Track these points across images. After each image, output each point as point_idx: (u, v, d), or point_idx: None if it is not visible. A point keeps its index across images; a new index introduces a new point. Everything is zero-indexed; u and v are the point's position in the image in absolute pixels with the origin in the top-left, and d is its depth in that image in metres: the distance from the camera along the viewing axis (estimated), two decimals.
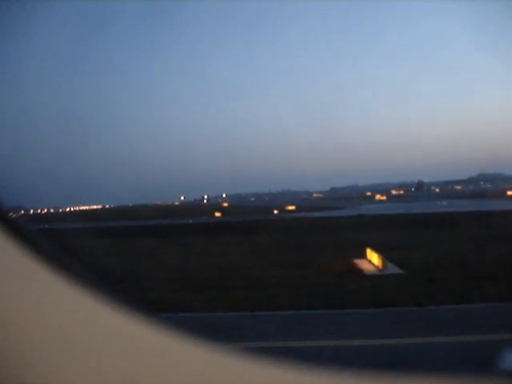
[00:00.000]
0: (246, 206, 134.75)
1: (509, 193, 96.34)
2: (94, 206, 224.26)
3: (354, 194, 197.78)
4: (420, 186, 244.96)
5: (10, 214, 1.73)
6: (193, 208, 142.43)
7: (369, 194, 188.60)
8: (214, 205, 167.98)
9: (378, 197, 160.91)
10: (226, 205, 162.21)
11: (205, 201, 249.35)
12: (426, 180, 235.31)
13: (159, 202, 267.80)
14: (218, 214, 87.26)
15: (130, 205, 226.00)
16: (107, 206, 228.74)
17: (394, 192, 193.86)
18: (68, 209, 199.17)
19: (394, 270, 20.84)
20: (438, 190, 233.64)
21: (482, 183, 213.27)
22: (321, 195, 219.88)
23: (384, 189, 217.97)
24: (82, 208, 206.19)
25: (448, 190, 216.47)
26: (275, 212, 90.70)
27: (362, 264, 23.09)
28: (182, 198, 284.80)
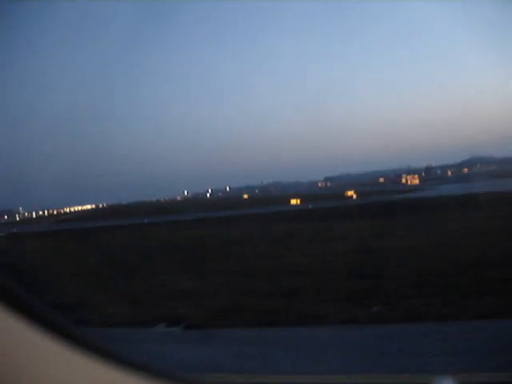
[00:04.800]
0: (277, 196, 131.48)
1: None
2: (88, 206, 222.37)
3: (366, 181, 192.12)
4: (429, 170, 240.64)
5: None
6: (214, 202, 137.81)
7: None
8: (234, 197, 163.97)
9: (407, 180, 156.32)
10: (246, 196, 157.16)
11: (208, 195, 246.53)
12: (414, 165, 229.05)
13: (162, 199, 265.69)
14: (294, 202, 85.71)
15: (125, 203, 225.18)
16: (100, 206, 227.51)
17: (406, 178, 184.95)
18: (68, 209, 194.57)
19: None
20: (450, 173, 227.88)
21: (477, 166, 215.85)
22: (328, 184, 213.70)
23: (377, 176, 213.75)
24: (76, 208, 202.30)
25: (458, 173, 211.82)
26: (348, 196, 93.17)
27: None
28: (186, 192, 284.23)
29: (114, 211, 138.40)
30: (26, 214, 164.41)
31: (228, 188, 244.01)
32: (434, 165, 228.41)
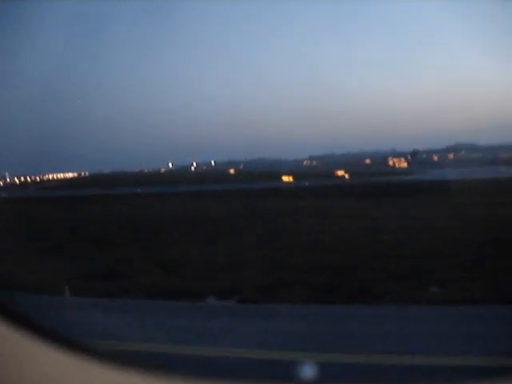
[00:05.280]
0: (266, 172, 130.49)
1: None
2: (70, 174, 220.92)
3: (352, 161, 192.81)
4: (415, 154, 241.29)
5: None
6: (201, 174, 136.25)
7: (369, 161, 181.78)
8: (220, 171, 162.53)
9: (394, 163, 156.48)
10: (232, 171, 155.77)
11: (193, 168, 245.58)
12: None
13: (145, 170, 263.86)
14: (286, 179, 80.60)
15: (107, 172, 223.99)
16: (82, 174, 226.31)
17: (393, 160, 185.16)
18: (49, 176, 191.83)
19: None
20: (436, 158, 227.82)
21: (463, 152, 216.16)
22: (314, 162, 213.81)
23: (362, 158, 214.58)
24: (58, 175, 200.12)
25: (444, 158, 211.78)
26: (339, 175, 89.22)
27: None
28: (170, 165, 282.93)
29: (97, 180, 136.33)
30: (8, 179, 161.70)
31: (213, 162, 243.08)
32: (420, 149, 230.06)
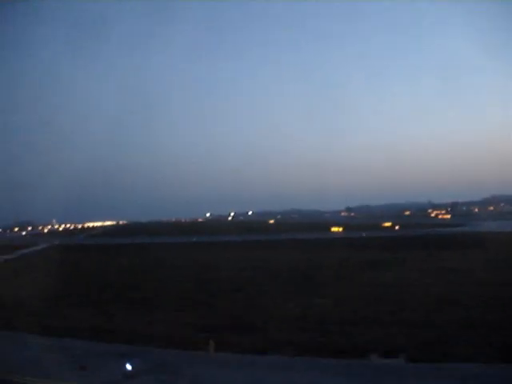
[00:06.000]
0: (304, 223, 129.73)
1: None
2: (108, 222, 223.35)
3: (390, 213, 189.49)
4: (454, 206, 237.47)
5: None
6: (245, 225, 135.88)
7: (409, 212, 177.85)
8: (260, 222, 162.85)
9: (436, 215, 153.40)
10: (272, 221, 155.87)
11: (230, 218, 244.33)
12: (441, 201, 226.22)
13: (182, 219, 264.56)
14: (336, 229, 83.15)
15: (144, 221, 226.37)
16: (120, 222, 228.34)
17: (435, 212, 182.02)
18: (86, 225, 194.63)
19: None
20: (476, 209, 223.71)
21: (502, 204, 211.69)
22: (351, 214, 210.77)
23: (397, 209, 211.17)
24: (95, 224, 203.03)
25: (484, 210, 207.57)
26: (387, 227, 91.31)
27: None
28: (208, 214, 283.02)
29: (138, 228, 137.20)
30: (52, 226, 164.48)
31: (250, 212, 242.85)
32: (459, 201, 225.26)
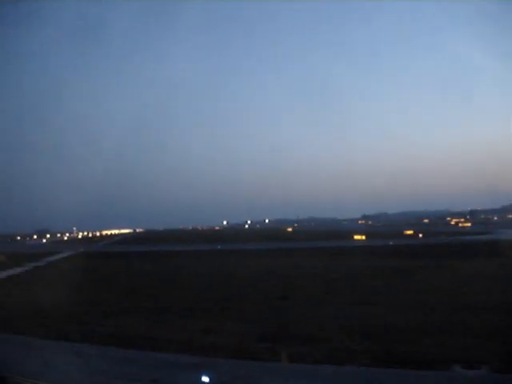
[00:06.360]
0: (324, 231, 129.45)
1: None
2: (125, 230, 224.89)
3: (408, 221, 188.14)
4: (473, 214, 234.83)
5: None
6: (257, 232, 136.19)
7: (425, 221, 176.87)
8: (278, 229, 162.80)
9: (456, 223, 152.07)
10: (290, 229, 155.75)
11: (246, 225, 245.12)
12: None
13: (198, 227, 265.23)
14: (358, 237, 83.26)
15: (161, 229, 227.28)
16: (137, 230, 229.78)
17: (454, 220, 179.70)
18: (104, 232, 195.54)
19: None
20: (496, 218, 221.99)
21: None
22: (369, 222, 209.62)
23: (414, 217, 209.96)
24: (112, 232, 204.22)
25: (504, 218, 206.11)
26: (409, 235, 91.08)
27: None
28: (225, 222, 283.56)
29: (156, 236, 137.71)
30: (72, 233, 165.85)
31: (267, 220, 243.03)
32: (479, 209, 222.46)
